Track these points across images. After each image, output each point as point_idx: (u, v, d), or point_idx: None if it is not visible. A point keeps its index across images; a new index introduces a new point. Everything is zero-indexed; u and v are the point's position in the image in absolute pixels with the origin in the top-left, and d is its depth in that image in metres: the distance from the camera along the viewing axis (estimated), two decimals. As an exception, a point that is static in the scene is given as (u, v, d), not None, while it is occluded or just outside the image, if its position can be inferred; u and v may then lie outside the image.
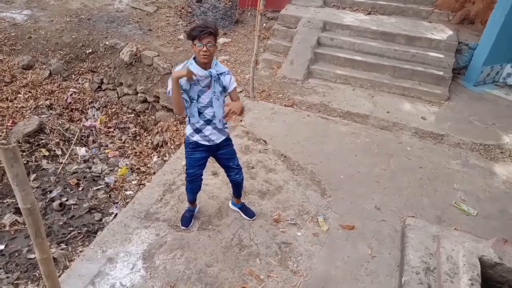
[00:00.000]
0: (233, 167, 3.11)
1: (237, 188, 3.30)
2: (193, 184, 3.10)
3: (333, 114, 5.35)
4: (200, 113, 2.76)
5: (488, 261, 2.67)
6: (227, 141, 3.01)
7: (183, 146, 4.47)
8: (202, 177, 3.12)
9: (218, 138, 2.91)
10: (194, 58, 2.66)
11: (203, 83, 2.68)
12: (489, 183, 4.25)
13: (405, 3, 7.70)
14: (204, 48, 2.53)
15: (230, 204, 3.54)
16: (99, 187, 4.65)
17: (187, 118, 2.89)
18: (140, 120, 6.20)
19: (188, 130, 2.90)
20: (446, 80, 6.12)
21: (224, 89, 2.76)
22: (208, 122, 2.80)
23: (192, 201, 3.30)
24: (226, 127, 2.93)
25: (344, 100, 5.72)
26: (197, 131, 2.84)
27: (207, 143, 2.89)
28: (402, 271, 2.96)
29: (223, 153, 3.03)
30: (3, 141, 1.65)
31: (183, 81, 2.62)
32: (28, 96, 5.86)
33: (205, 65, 2.63)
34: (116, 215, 4.07)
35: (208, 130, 2.83)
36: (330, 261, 3.12)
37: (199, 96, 2.71)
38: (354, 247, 3.28)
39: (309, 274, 2.99)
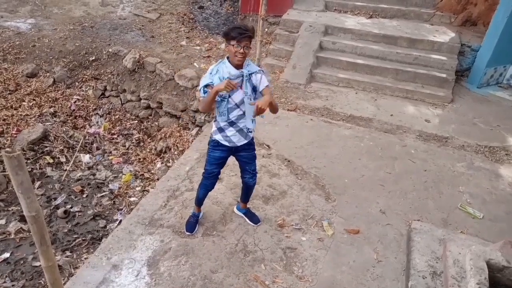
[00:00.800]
0: (249, 171, 3.14)
1: (247, 190, 3.31)
2: (209, 180, 3.14)
3: (336, 117, 5.34)
4: (227, 113, 2.78)
5: (495, 265, 2.64)
6: (249, 146, 3.03)
7: (186, 152, 4.48)
8: (219, 176, 3.17)
9: (239, 141, 2.92)
10: (228, 58, 2.69)
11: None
12: (494, 186, 4.21)
13: (406, 6, 7.72)
14: (242, 50, 2.57)
15: (235, 209, 3.54)
16: (103, 193, 4.65)
17: (214, 115, 2.93)
18: (143, 126, 6.21)
19: (213, 127, 2.95)
20: (449, 82, 6.11)
21: (255, 88, 2.77)
22: (232, 123, 2.83)
23: (201, 199, 3.28)
24: (250, 131, 2.94)
25: (347, 103, 5.71)
26: (220, 130, 2.89)
27: (227, 144, 2.92)
28: (409, 276, 2.94)
29: (243, 156, 3.07)
30: (8, 149, 1.66)
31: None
32: (32, 104, 5.90)
33: (238, 66, 2.66)
34: (120, 221, 4.07)
35: (230, 131, 2.86)
36: (335, 266, 3.10)
37: (229, 96, 2.72)
38: (360, 251, 3.26)
39: (315, 279, 2.97)
